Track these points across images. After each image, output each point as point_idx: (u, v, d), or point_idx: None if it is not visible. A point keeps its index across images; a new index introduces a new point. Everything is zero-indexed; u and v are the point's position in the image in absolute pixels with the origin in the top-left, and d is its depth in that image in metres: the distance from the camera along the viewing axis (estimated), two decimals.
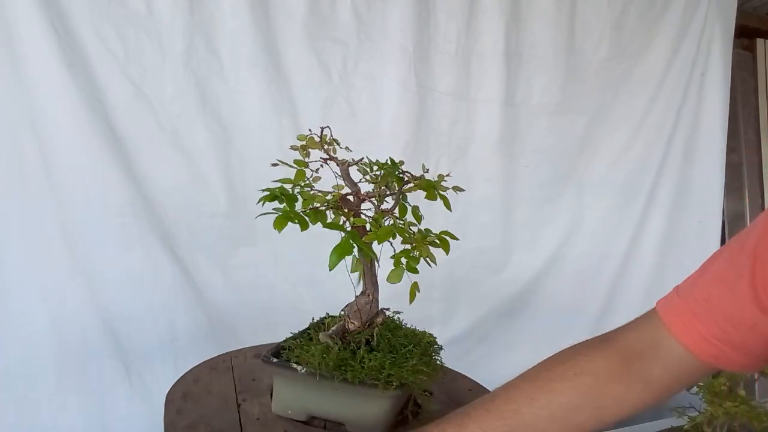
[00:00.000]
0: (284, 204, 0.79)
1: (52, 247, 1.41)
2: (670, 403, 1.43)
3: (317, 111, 1.63)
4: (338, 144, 0.89)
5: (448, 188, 0.87)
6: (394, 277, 0.77)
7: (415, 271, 0.76)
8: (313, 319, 0.99)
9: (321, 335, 0.88)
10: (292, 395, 0.89)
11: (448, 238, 0.82)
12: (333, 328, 0.90)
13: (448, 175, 0.88)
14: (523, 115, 1.89)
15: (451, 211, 0.88)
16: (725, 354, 0.64)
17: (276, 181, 0.84)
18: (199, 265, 1.57)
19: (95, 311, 1.46)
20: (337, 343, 0.86)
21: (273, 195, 0.80)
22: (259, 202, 0.80)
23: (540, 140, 1.93)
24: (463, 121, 1.83)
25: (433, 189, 0.85)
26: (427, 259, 0.78)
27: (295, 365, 0.84)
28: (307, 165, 0.87)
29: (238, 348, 1.18)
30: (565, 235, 2.00)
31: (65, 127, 1.39)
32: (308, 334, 0.92)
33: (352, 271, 0.85)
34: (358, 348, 0.86)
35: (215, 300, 1.59)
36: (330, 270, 0.73)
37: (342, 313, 0.93)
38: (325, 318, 0.99)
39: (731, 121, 2.22)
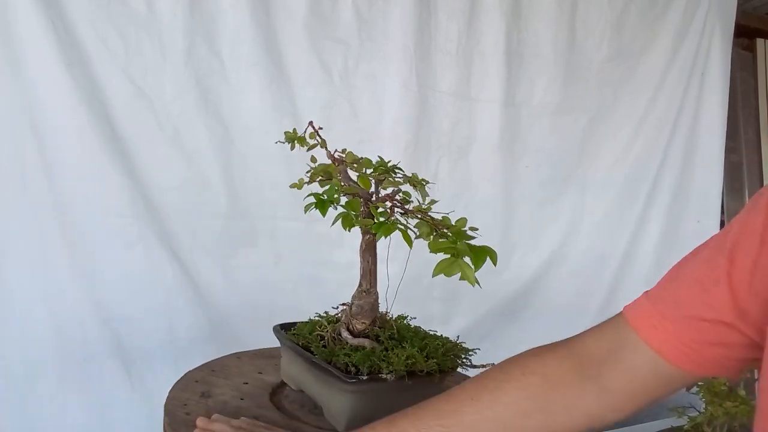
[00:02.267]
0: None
1: (53, 248, 1.41)
2: (670, 403, 1.43)
3: (318, 111, 1.62)
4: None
5: (428, 183, 0.88)
6: (449, 270, 0.71)
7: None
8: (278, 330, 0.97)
9: (352, 340, 0.87)
10: (374, 406, 0.85)
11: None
12: (343, 329, 0.89)
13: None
14: (525, 115, 1.89)
15: (424, 201, 0.87)
16: (704, 358, 0.61)
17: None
18: (200, 265, 1.56)
19: (96, 311, 1.45)
20: (372, 344, 0.87)
21: (320, 200, 0.82)
22: (308, 209, 0.81)
23: (541, 140, 1.93)
24: (464, 121, 1.82)
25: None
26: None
27: (385, 375, 0.82)
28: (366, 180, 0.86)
29: (238, 348, 1.18)
30: (566, 234, 2.00)
31: (65, 126, 1.39)
32: (319, 339, 0.90)
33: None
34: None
35: (216, 300, 1.58)
36: (433, 276, 0.70)
37: (340, 314, 0.93)
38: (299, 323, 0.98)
39: (731, 121, 2.21)
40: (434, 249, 0.72)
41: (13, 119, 1.35)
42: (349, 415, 0.84)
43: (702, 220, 2.15)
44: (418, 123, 1.75)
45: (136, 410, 1.48)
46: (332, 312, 0.98)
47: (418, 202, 0.83)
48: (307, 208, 0.83)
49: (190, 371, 1.03)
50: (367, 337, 0.89)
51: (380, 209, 0.82)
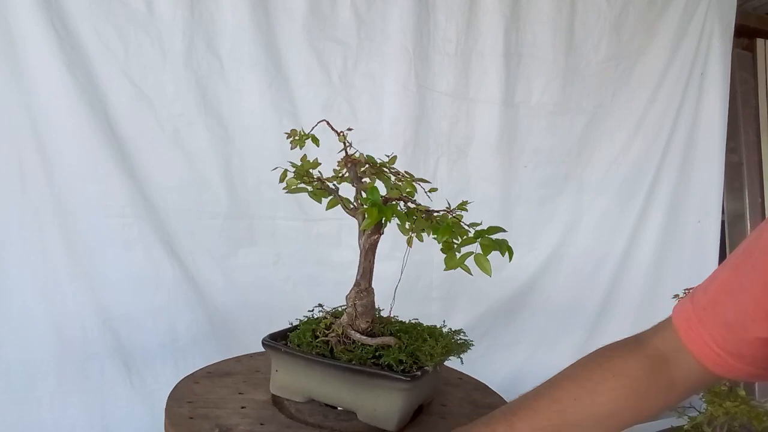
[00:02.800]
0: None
1: (53, 248, 1.41)
2: None
3: (317, 111, 1.63)
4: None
5: (414, 177, 0.88)
6: (452, 263, 0.76)
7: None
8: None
9: (373, 340, 0.87)
10: (416, 398, 0.88)
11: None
12: (350, 331, 0.89)
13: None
14: (523, 115, 1.90)
15: (403, 193, 0.87)
16: (726, 362, 0.65)
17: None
18: (200, 265, 1.57)
19: (96, 311, 1.45)
20: (396, 341, 0.87)
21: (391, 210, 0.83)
22: (374, 218, 0.80)
23: (539, 140, 1.93)
24: (462, 122, 1.83)
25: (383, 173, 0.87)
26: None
27: (428, 367, 0.84)
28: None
29: (238, 348, 1.18)
30: (563, 234, 2.01)
31: (65, 126, 1.39)
32: (326, 344, 0.89)
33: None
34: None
35: (216, 300, 1.59)
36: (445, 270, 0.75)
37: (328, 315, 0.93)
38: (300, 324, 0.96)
39: (731, 121, 2.22)
40: (465, 243, 0.77)
41: (13, 120, 1.35)
42: (401, 413, 0.85)
43: (702, 220, 2.15)
44: (416, 123, 1.76)
45: (136, 410, 1.49)
46: (309, 315, 0.98)
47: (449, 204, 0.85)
48: (372, 216, 0.79)
49: (171, 408, 0.92)
50: (373, 334, 0.89)
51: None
